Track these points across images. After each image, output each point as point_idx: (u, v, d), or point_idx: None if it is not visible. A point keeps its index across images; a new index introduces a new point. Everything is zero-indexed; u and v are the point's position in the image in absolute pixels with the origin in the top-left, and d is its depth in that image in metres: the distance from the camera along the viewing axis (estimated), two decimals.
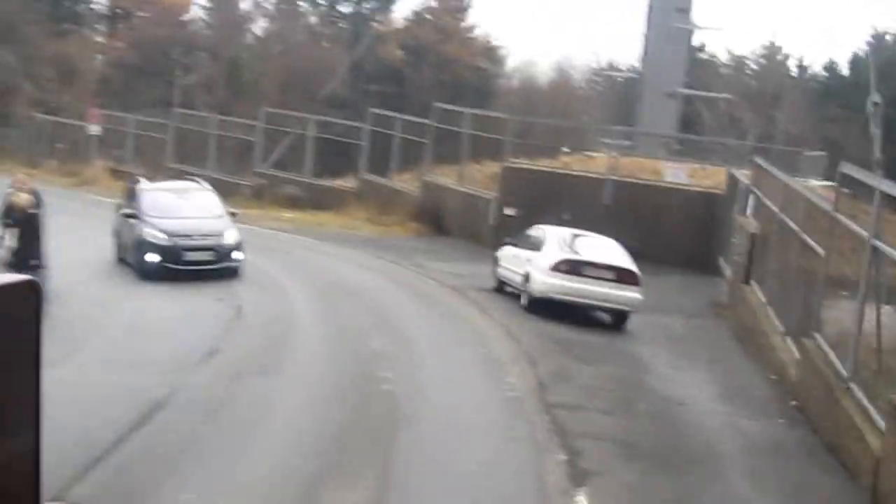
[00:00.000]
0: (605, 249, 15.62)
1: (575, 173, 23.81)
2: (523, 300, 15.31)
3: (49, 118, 39.09)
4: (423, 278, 17.75)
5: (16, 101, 41.50)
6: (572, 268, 14.79)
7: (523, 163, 24.42)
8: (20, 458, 1.10)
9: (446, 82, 46.06)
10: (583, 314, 14.80)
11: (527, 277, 15.24)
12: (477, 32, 53.14)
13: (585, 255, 15.09)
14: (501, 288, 16.63)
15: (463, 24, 53.19)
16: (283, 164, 32.77)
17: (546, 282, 14.79)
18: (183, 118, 35.17)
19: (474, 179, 25.55)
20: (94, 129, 34.87)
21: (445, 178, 26.79)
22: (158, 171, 34.32)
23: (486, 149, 25.74)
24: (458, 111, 26.10)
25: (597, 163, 25.50)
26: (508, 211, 23.37)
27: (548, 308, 14.64)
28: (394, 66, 49.82)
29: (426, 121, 27.29)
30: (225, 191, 32.88)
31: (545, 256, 15.15)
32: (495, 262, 17.09)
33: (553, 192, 22.63)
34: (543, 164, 24.83)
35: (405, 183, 28.75)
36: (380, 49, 50.79)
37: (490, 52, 53.57)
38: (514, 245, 16.59)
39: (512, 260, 16.27)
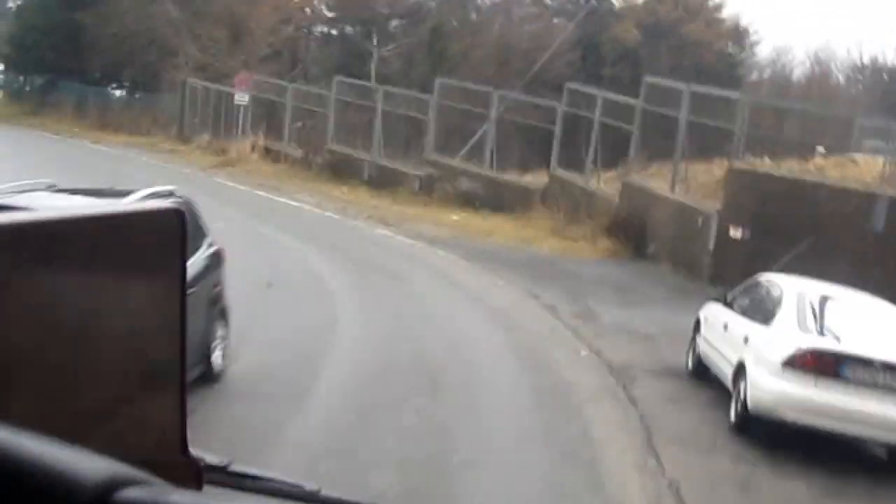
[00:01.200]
0: (883, 327, 9.44)
1: (830, 184, 17.23)
2: (733, 414, 9.10)
3: (208, 85, 35.71)
4: (578, 342, 11.94)
5: (174, 64, 38.54)
6: (825, 365, 8.69)
7: (759, 164, 18.04)
8: (168, 397, 1.08)
9: (686, 67, 39.99)
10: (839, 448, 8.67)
11: (741, 371, 9.19)
12: (725, 13, 47.74)
13: (849, 340, 8.84)
14: (702, 372, 10.69)
15: (710, 2, 47.77)
16: (454, 151, 27.68)
17: (775, 388, 8.54)
18: (346, 89, 30.67)
19: (692, 184, 19.44)
20: (242, 97, 30.99)
21: (654, 180, 20.81)
22: (317, 153, 30.10)
23: (711, 143, 19.61)
24: (673, 88, 19.94)
25: (861, 170, 18.74)
26: (734, 232, 17.21)
27: (778, 436, 8.55)
28: (629, 47, 44.57)
29: (635, 100, 21.38)
30: (388, 183, 28.59)
31: (776, 337, 9.07)
32: (696, 327, 11.19)
33: (799, 208, 16.31)
34: (788, 168, 18.32)
35: (604, 184, 22.95)
36: (614, 28, 45.73)
37: (738, 36, 47.82)
38: (728, 303, 10.65)
39: (719, 332, 10.30)
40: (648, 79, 21.33)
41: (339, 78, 30.74)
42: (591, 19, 44.45)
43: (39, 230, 0.86)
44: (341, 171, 28.62)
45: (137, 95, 42.15)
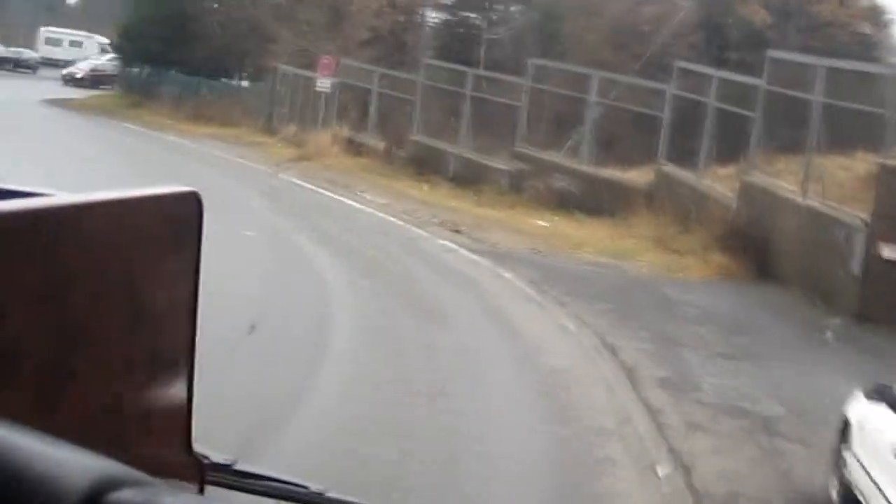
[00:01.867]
0: None
1: None
2: None
3: (298, 72, 32.12)
4: (659, 444, 7.32)
5: (271, 51, 35.14)
6: None
7: None
8: (175, 391, 1.03)
9: (817, 49, 34.78)
10: None
11: None
12: None
13: None
14: None
15: None
16: (546, 143, 23.32)
17: None
18: (436, 74, 26.57)
19: (829, 185, 14.70)
20: (324, 84, 27.26)
21: (781, 178, 16.12)
22: (400, 146, 26.16)
23: (853, 131, 14.86)
24: (806, 64, 15.14)
25: None
26: (889, 252, 12.56)
27: None
28: (755, 28, 39.43)
29: (758, 81, 16.69)
30: (474, 179, 24.45)
31: None
32: (843, 434, 6.80)
33: None
34: None
35: (719, 182, 18.29)
36: (740, 8, 40.60)
37: (874, 15, 42.13)
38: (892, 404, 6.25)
39: (888, 460, 5.96)
40: (773, 53, 16.56)
41: (427, 61, 26.69)
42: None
43: (53, 215, 0.81)
44: (425, 165, 24.61)
45: (237, 84, 38.93)
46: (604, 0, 42.80)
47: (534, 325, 11.14)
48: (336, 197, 20.25)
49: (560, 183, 21.68)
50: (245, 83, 39.12)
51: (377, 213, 18.80)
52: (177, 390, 1.04)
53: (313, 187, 21.53)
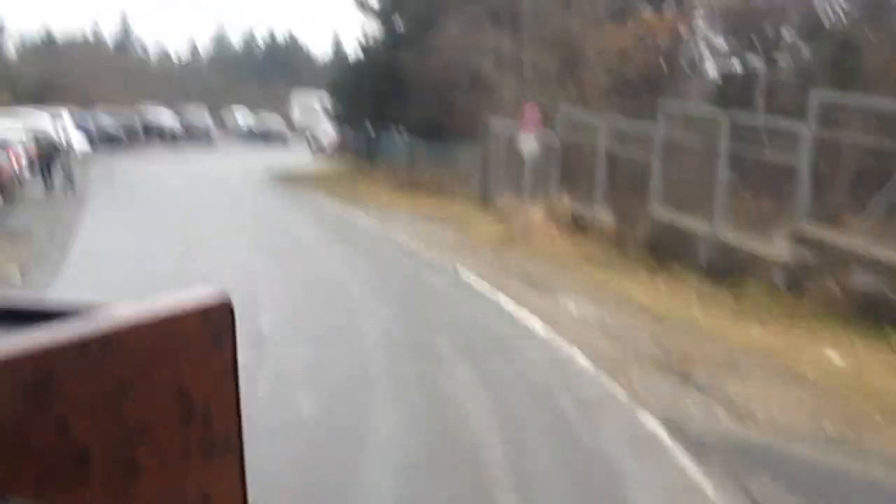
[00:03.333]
0: None
1: None
2: None
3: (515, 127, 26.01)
4: None
5: (491, 104, 29.34)
6: None
7: None
8: (229, 470, 1.10)
9: None
10: None
11: None
12: None
13: None
14: None
15: None
16: (842, 217, 15.65)
17: None
18: (677, 121, 19.46)
19: None
20: (528, 141, 20.89)
21: None
22: (635, 224, 19.39)
23: None
24: None
25: None
26: None
27: None
28: None
29: None
30: (735, 271, 16.91)
31: None
32: None
33: None
34: None
35: None
36: None
37: None
38: None
39: None
40: None
41: (664, 101, 19.72)
42: None
43: (99, 335, 0.90)
44: (665, 251, 17.64)
45: (456, 145, 33.36)
46: None
47: None
48: (518, 312, 13.71)
49: (864, 280, 14.13)
50: (453, 146, 33.59)
51: (569, 343, 12.07)
52: (231, 474, 1.10)
53: (493, 291, 15.11)
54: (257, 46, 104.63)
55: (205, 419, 1.04)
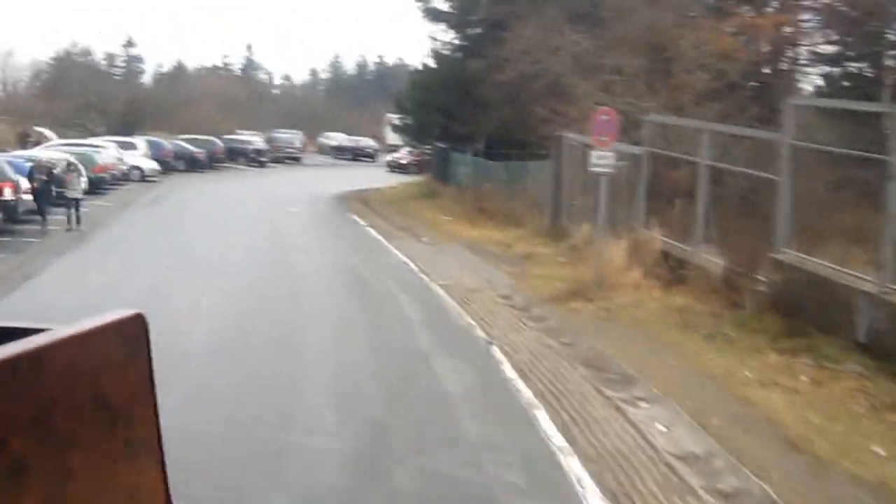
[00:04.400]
0: None
1: None
2: None
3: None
4: None
5: (566, 115, 22.86)
6: None
7: None
8: (151, 468, 1.12)
9: None
10: None
11: None
12: None
13: None
14: None
15: None
16: None
17: None
18: (815, 126, 12.64)
19: None
20: (602, 158, 14.24)
21: None
22: (754, 270, 12.70)
23: None
24: None
25: None
26: None
27: None
28: None
29: None
30: None
31: None
32: None
33: None
34: None
35: None
36: None
37: None
38: None
39: None
40: None
41: (793, 102, 12.88)
42: None
43: (31, 355, 0.91)
44: (803, 315, 10.96)
45: (528, 164, 26.70)
46: None
47: None
48: (570, 464, 7.36)
49: None
50: (525, 164, 26.97)
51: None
52: (154, 472, 1.11)
53: (536, 404, 8.69)
54: (368, 71, 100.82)
55: (126, 424, 1.05)
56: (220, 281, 14.57)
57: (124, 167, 35.58)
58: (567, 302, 13.41)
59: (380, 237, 21.54)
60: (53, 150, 31.44)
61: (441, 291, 14.38)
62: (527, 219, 21.66)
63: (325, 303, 13.33)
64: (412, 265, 17.05)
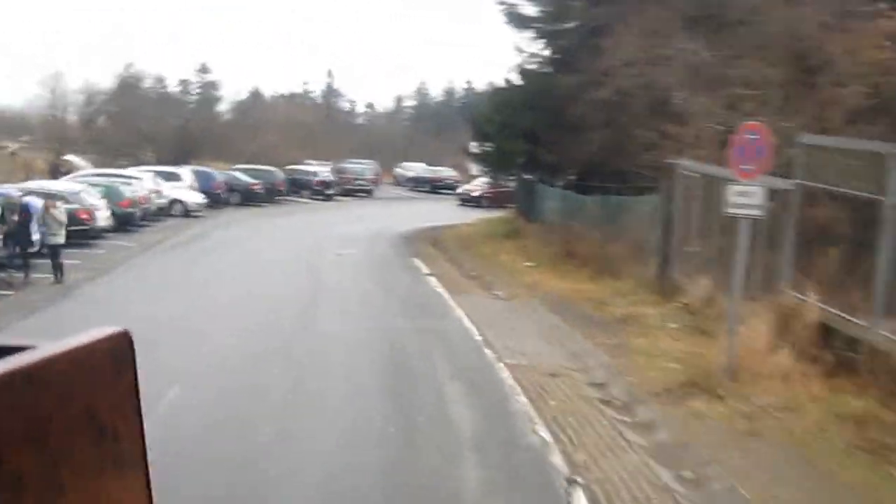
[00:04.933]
0: None
1: None
2: None
3: (714, 174, 15.97)
4: None
5: (677, 136, 19.46)
6: None
7: None
8: (136, 482, 1.16)
9: None
10: None
11: None
12: None
13: None
14: None
15: None
16: None
17: None
18: None
19: None
20: (746, 195, 10.84)
21: None
22: None
23: None
24: None
25: None
26: None
27: None
28: None
29: None
30: None
31: None
32: None
33: None
34: None
35: None
36: None
37: None
38: None
39: None
40: None
41: None
42: None
43: (23, 372, 0.96)
44: None
45: (629, 199, 23.15)
46: None
47: None
48: None
49: None
50: (641, 197, 23.40)
51: None
52: (139, 485, 1.15)
53: None
54: (455, 98, 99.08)
55: (113, 438, 1.11)
56: (201, 367, 11.61)
57: (163, 201, 33.31)
58: (686, 398, 10.02)
59: (442, 290, 18.40)
60: (70, 182, 29.29)
61: (508, 377, 11.13)
62: (627, 268, 18.27)
63: (339, 406, 10.13)
64: (475, 332, 13.83)
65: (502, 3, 28.87)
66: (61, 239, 18.53)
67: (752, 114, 19.75)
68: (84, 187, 27.17)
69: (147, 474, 1.16)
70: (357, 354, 12.34)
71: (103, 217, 26.22)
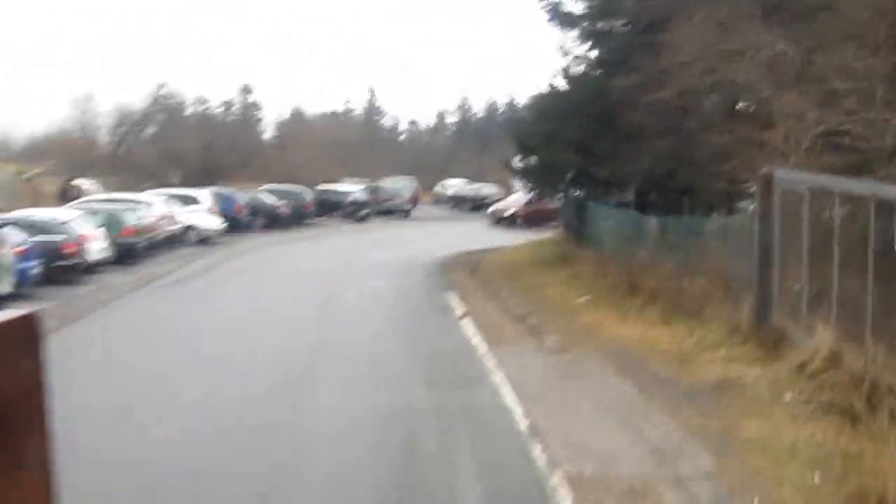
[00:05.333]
0: None
1: None
2: None
3: (830, 187, 12.14)
4: None
5: (757, 144, 15.71)
6: None
7: None
8: (42, 483, 1.08)
9: None
10: None
11: None
12: None
13: None
14: None
15: None
16: None
17: None
18: None
19: None
20: None
21: None
22: None
23: None
24: None
25: None
26: None
27: None
28: None
29: None
30: None
31: None
32: None
33: None
34: None
35: None
36: None
37: None
38: None
39: None
40: None
41: None
42: None
43: None
44: None
45: (709, 221, 19.20)
46: None
47: None
48: None
49: None
50: (722, 217, 19.44)
51: None
52: (39, 487, 1.06)
53: None
54: (499, 112, 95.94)
55: (9, 430, 1.00)
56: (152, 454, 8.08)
57: (175, 227, 30.03)
58: None
59: (478, 340, 14.69)
60: (65, 209, 26.09)
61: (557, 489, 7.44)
62: (709, 308, 14.45)
63: None
64: (518, 414, 10.09)
65: (545, 1, 25.25)
66: (8, 286, 15.19)
67: (853, 111, 16.04)
68: (78, 215, 23.90)
69: (50, 476, 1.05)
70: (351, 461, 8.67)
71: (97, 249, 22.94)
